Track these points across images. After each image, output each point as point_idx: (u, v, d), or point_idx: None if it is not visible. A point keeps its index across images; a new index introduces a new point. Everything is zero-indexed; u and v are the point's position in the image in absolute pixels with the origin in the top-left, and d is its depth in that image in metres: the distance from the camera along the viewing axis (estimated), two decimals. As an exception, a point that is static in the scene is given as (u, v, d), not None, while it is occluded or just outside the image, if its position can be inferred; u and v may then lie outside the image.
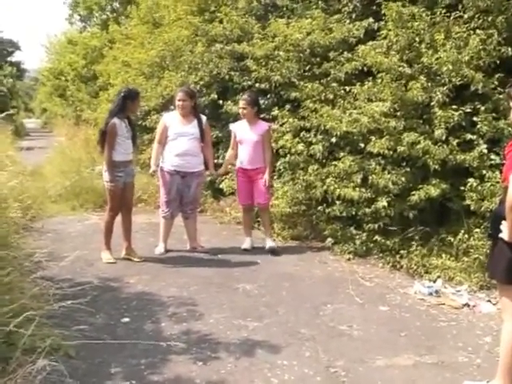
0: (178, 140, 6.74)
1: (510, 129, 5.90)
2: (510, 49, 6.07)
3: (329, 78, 7.46)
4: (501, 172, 4.57)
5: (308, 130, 7.38)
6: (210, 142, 7.20)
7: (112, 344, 4.29)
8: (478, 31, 6.07)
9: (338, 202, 6.79)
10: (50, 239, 7.29)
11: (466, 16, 6.26)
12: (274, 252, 6.92)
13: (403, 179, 6.35)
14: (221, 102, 8.85)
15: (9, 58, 50.89)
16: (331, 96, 7.28)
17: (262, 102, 7.89)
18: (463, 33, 6.18)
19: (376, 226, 6.53)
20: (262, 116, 7.40)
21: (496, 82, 6.05)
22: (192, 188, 6.85)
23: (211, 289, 5.66)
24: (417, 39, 6.50)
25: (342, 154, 6.95)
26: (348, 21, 7.68)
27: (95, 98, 19.18)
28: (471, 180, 5.92)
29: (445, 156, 6.07)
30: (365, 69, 7.06)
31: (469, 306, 5.33)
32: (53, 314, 4.28)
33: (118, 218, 6.63)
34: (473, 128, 6.18)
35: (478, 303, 5.37)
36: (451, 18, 6.28)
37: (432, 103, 6.29)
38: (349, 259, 6.69)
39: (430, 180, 6.24)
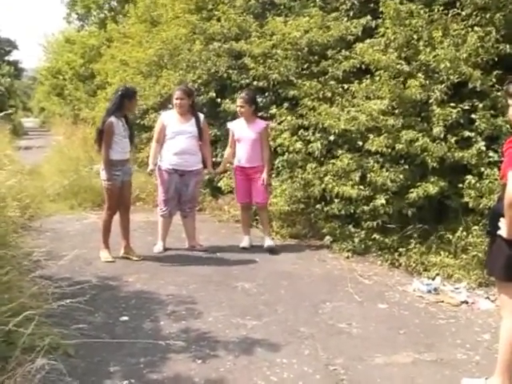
0: (176, 139, 6.73)
1: (508, 126, 5.89)
2: (508, 46, 6.07)
3: (327, 76, 7.46)
4: (499, 169, 4.57)
5: (306, 128, 7.38)
6: (208, 141, 7.20)
7: (111, 343, 4.29)
8: (475, 28, 6.07)
9: (336, 200, 6.80)
10: (49, 238, 7.28)
11: (463, 13, 6.26)
12: (272, 251, 6.92)
13: (401, 177, 6.35)
14: (219, 100, 8.84)
15: (6, 57, 50.83)
16: (329, 94, 7.28)
17: (260, 100, 7.90)
18: (461, 30, 6.18)
19: (374, 223, 6.54)
20: (259, 114, 7.40)
21: (494, 80, 6.05)
22: (190, 186, 6.84)
23: (210, 287, 5.67)
24: (415, 37, 6.50)
25: (340, 152, 6.95)
26: (346, 19, 7.67)
27: (93, 97, 19.14)
28: (469, 177, 5.93)
29: (443, 153, 6.08)
30: (363, 66, 7.06)
31: (467, 303, 5.33)
32: (52, 312, 4.29)
33: (117, 217, 6.63)
34: (471, 125, 6.18)
35: (477, 300, 5.38)
36: (449, 15, 6.28)
37: (430, 101, 6.29)
38: (347, 257, 6.69)
39: (428, 177, 6.24)
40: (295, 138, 7.37)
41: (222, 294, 5.48)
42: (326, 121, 6.89)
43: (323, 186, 6.84)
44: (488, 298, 5.40)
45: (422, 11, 6.42)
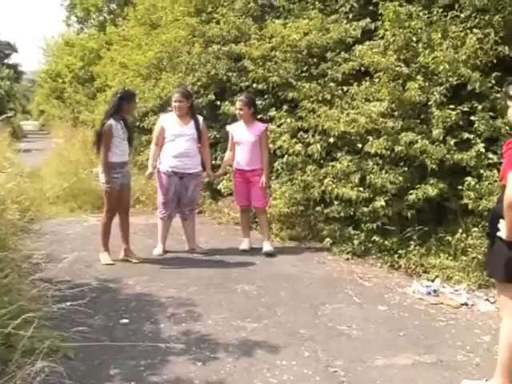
0: (175, 141, 6.73)
1: (507, 127, 5.91)
2: (506, 48, 6.09)
3: (326, 79, 7.47)
4: (498, 171, 4.58)
5: (306, 131, 7.39)
6: (207, 143, 7.20)
7: (111, 345, 4.29)
8: (474, 30, 6.08)
9: (336, 203, 6.80)
10: (49, 241, 7.27)
11: (462, 15, 6.27)
12: (270, 256, 6.90)
13: (401, 179, 6.36)
14: (218, 102, 8.85)
15: (6, 61, 50.88)
16: (329, 96, 7.30)
17: (259, 102, 7.90)
18: (460, 32, 6.19)
19: (374, 225, 6.54)
20: (259, 117, 7.40)
21: (493, 81, 6.07)
22: (190, 189, 6.84)
23: (210, 290, 5.66)
24: (414, 39, 6.52)
25: (339, 154, 6.96)
26: (345, 21, 7.69)
27: (93, 100, 19.18)
28: (469, 179, 5.94)
29: (442, 155, 6.09)
30: (362, 69, 7.09)
31: (467, 305, 5.33)
32: (51, 315, 4.28)
33: (116, 220, 6.63)
34: (470, 127, 6.19)
35: (477, 302, 5.38)
36: (448, 17, 6.30)
37: (429, 103, 6.30)
38: (347, 259, 6.69)
39: (427, 179, 6.25)
40: (295, 140, 7.37)
41: (221, 296, 5.48)
42: (326, 123, 6.90)
43: (323, 188, 6.85)
44: (488, 299, 5.40)
45: (421, 13, 6.44)
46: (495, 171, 5.74)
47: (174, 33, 10.15)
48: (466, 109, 6.19)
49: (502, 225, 3.35)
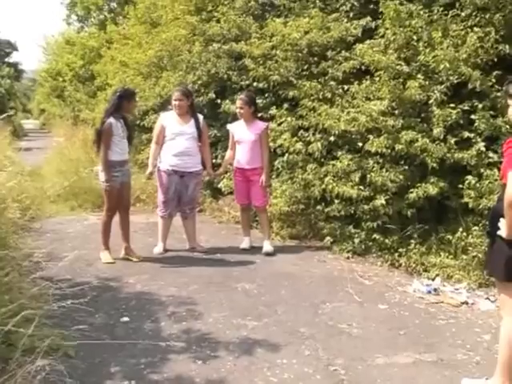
0: (175, 140, 6.73)
1: (507, 126, 5.91)
2: (507, 46, 6.09)
3: (327, 77, 7.47)
4: (499, 170, 4.58)
5: (306, 129, 7.39)
6: (208, 142, 7.20)
7: (111, 344, 4.29)
8: (475, 29, 6.08)
9: (336, 201, 6.81)
10: (49, 239, 7.27)
11: (463, 14, 6.27)
12: (270, 255, 6.89)
13: (401, 177, 6.36)
14: (219, 101, 8.85)
15: (6, 59, 50.88)
16: (329, 95, 7.29)
17: (259, 101, 7.90)
18: (461, 31, 6.19)
19: (374, 224, 6.55)
20: (259, 115, 7.40)
21: (494, 80, 6.06)
22: (190, 188, 6.84)
23: (210, 288, 5.66)
24: (414, 37, 6.51)
25: (340, 152, 6.96)
26: (345, 20, 7.68)
27: (93, 98, 19.18)
28: (469, 178, 5.94)
29: (443, 154, 6.09)
30: (363, 67, 7.09)
31: (467, 303, 5.34)
32: (52, 314, 4.29)
33: (117, 218, 6.63)
34: (470, 126, 6.19)
35: (477, 301, 5.38)
36: (449, 15, 6.29)
37: (430, 101, 6.30)
38: (348, 258, 6.70)
39: (428, 178, 6.25)
40: (295, 138, 7.37)
41: (222, 294, 5.48)
42: (326, 122, 6.90)
43: (323, 186, 6.85)
44: (488, 298, 5.40)
45: (421, 12, 6.43)
46: (495, 170, 5.74)
47: (174, 31, 10.15)
48: (466, 107, 6.19)
49: (503, 224, 3.35)
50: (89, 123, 16.75)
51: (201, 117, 6.96)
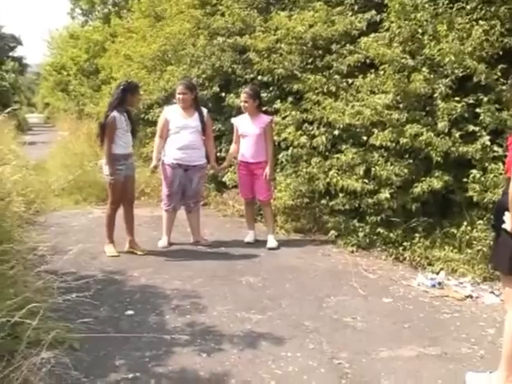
0: (179, 133, 6.74)
1: (513, 120, 5.89)
2: (512, 39, 6.05)
3: (331, 71, 7.46)
4: (504, 163, 4.57)
5: (311, 123, 7.38)
6: (212, 135, 7.20)
7: (116, 337, 4.30)
8: (480, 22, 6.04)
9: (340, 195, 6.80)
10: (54, 233, 7.29)
11: (468, 7, 6.23)
12: (274, 249, 6.89)
13: (406, 171, 6.35)
14: (223, 95, 8.85)
15: (11, 53, 50.85)
16: (334, 88, 7.28)
17: (264, 94, 7.89)
18: (466, 24, 6.15)
19: (379, 218, 6.54)
20: (264, 109, 7.39)
21: (499, 73, 6.02)
22: (194, 181, 6.85)
23: (215, 281, 5.68)
24: (419, 30, 6.48)
25: (344, 146, 6.96)
26: (350, 13, 7.66)
27: (97, 92, 19.17)
28: (474, 171, 5.91)
29: (447, 148, 6.07)
30: (367, 61, 7.06)
31: (472, 297, 5.33)
32: (57, 307, 4.30)
33: (121, 212, 6.64)
34: (475, 120, 6.15)
35: (481, 295, 5.38)
36: (454, 8, 6.25)
37: (435, 95, 6.28)
38: (352, 252, 6.70)
39: (432, 172, 6.24)
40: (300, 132, 7.37)
41: (226, 288, 5.49)
42: (331, 115, 6.89)
43: (328, 180, 6.84)
44: (493, 292, 5.40)
45: (426, 5, 6.40)
46: (500, 164, 5.72)
47: (178, 25, 10.14)
48: (471, 101, 6.16)
49: (507, 217, 3.35)
50: (93, 117, 16.73)
51: (205, 110, 6.95)
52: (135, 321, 4.67)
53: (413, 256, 6.20)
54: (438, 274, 5.83)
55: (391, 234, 6.49)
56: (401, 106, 6.51)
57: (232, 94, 8.59)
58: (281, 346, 4.24)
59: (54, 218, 8.36)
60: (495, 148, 5.98)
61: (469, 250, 5.86)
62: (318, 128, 7.25)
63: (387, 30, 6.75)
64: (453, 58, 6.06)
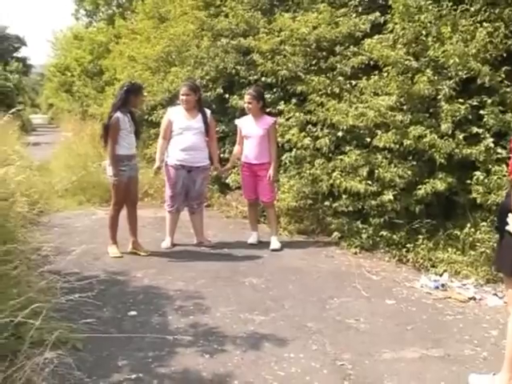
0: (183, 135, 6.74)
1: (516, 122, 5.89)
2: (516, 41, 6.05)
3: (335, 72, 7.46)
4: (507, 165, 4.56)
5: (314, 124, 7.39)
6: (215, 137, 7.21)
7: (119, 337, 4.31)
8: (484, 24, 6.04)
9: (344, 196, 6.80)
10: (57, 233, 7.30)
11: (472, 9, 6.23)
12: (278, 250, 6.88)
13: (409, 173, 6.35)
14: (227, 96, 8.86)
15: (15, 54, 51.04)
16: (337, 90, 7.28)
17: (267, 96, 7.90)
18: (470, 26, 6.15)
19: (382, 220, 6.54)
20: (267, 110, 7.40)
21: (503, 75, 6.02)
22: (198, 183, 6.85)
23: (218, 283, 5.68)
24: (423, 32, 6.48)
25: (348, 147, 6.96)
26: (354, 14, 7.67)
27: (101, 93, 19.20)
28: (478, 173, 5.91)
29: (451, 150, 6.06)
30: (371, 63, 7.06)
31: (475, 299, 5.33)
32: (60, 307, 4.31)
33: (124, 213, 6.65)
34: (479, 121, 6.15)
35: (485, 297, 5.37)
36: (458, 10, 6.25)
37: (438, 97, 6.27)
38: (355, 253, 6.69)
39: (436, 174, 6.24)
40: (303, 133, 7.38)
41: (229, 289, 5.49)
42: (334, 117, 6.90)
43: (331, 181, 6.84)
44: (496, 294, 5.39)
45: (430, 7, 6.39)
46: (504, 166, 5.72)
47: (182, 26, 10.16)
48: (475, 103, 6.15)
49: (511, 219, 3.34)
50: (97, 118, 16.76)
51: (208, 111, 6.96)
52: (138, 321, 4.67)
53: (416, 258, 6.19)
54: (441, 275, 5.82)
55: (394, 236, 6.49)
56: (404, 107, 6.52)
57: (236, 96, 8.60)
58: (284, 347, 4.24)
59: (58, 219, 8.38)
60: (499, 150, 5.98)
61: (472, 252, 5.86)
62: (321, 129, 7.26)
63: (391, 31, 6.75)
64: (457, 60, 6.06)
